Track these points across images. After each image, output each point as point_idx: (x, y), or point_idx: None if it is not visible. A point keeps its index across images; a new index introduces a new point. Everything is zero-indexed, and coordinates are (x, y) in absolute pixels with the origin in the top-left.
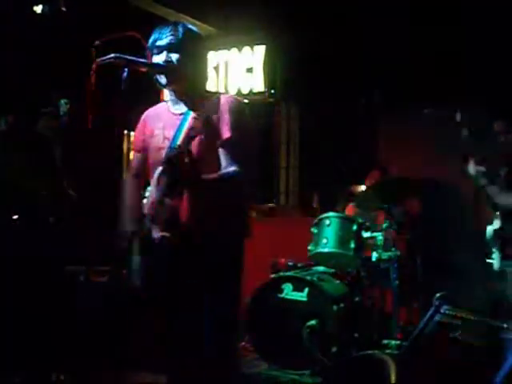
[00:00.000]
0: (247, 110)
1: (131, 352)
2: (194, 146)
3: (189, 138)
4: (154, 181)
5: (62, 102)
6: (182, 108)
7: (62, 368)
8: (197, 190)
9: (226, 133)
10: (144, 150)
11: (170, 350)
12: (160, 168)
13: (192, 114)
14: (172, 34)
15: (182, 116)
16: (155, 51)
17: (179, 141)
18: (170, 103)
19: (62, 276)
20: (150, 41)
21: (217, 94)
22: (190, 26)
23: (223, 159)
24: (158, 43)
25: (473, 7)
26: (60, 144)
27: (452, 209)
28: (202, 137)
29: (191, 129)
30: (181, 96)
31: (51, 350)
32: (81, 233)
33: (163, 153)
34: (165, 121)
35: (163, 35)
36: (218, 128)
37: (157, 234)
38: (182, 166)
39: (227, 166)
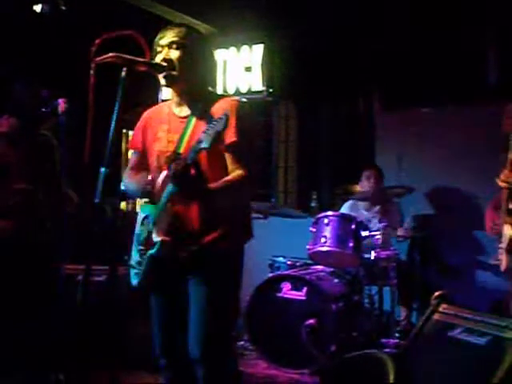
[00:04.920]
0: (251, 111)
1: (130, 352)
2: (201, 155)
3: (197, 150)
4: (157, 185)
5: (61, 101)
6: (186, 110)
7: (61, 368)
8: (203, 199)
9: (231, 137)
10: (144, 151)
11: (165, 350)
12: (164, 173)
13: (195, 120)
14: (175, 33)
15: (186, 119)
16: (158, 49)
17: (183, 147)
18: (172, 104)
19: (59, 275)
20: (155, 41)
21: (220, 96)
22: (194, 28)
23: (229, 163)
24: (161, 42)
25: (472, 7)
26: (59, 144)
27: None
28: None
29: (199, 142)
30: (183, 97)
31: (50, 350)
32: (79, 232)
33: (167, 156)
34: (169, 123)
35: (166, 34)
36: (223, 132)
37: (157, 237)
38: (189, 180)
39: (233, 170)
